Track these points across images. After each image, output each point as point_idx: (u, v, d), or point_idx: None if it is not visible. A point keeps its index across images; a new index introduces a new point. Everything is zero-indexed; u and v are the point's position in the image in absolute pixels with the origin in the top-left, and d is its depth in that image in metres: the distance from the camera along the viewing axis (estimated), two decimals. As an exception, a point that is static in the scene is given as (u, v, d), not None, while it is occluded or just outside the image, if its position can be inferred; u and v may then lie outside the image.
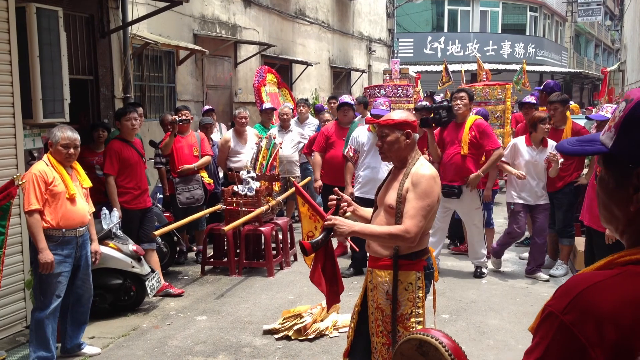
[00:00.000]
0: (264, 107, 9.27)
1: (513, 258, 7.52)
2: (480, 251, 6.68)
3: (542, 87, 8.26)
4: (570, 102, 13.43)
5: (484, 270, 6.72)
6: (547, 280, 6.59)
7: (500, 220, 9.44)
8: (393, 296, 3.14)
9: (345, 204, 3.22)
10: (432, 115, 6.61)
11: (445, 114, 6.57)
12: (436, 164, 6.55)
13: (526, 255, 7.55)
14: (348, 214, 3.24)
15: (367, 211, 3.40)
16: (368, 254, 3.32)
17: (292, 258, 7.51)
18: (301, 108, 9.52)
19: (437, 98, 11.26)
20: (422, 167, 3.13)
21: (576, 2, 34.38)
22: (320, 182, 7.43)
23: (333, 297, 3.39)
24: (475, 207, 6.59)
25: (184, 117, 7.13)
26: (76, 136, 4.59)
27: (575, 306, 1.07)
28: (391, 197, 3.14)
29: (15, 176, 4.14)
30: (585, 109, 18.90)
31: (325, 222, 3.01)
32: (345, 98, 7.72)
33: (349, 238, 3.36)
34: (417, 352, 2.17)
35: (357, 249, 5.71)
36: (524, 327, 5.03)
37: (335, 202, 3.18)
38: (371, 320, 3.24)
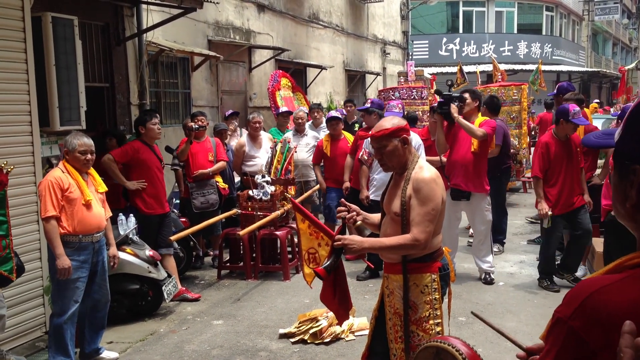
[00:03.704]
0: (280, 111, 9.28)
1: (531, 260, 7.44)
2: (486, 256, 6.58)
3: (556, 90, 8.20)
4: (595, 101, 13.28)
5: (492, 275, 6.59)
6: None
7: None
8: (404, 300, 3.11)
9: (354, 213, 3.20)
10: (443, 103, 6.25)
11: (459, 105, 6.38)
12: (442, 156, 6.60)
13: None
14: (358, 222, 3.22)
15: (377, 217, 3.38)
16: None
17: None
18: (315, 114, 9.51)
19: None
20: (422, 171, 3.09)
21: (593, 1, 34.06)
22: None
23: (343, 314, 3.37)
24: (484, 209, 6.54)
25: (200, 124, 7.19)
26: (91, 142, 4.66)
27: (583, 311, 1.07)
28: (395, 205, 3.12)
29: (2, 164, 4.15)
30: (602, 108, 18.69)
31: (335, 243, 3.00)
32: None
33: (364, 256, 3.32)
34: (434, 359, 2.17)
35: (373, 266, 5.67)
36: (542, 330, 4.96)
37: (342, 220, 3.15)
38: (389, 326, 3.21)
